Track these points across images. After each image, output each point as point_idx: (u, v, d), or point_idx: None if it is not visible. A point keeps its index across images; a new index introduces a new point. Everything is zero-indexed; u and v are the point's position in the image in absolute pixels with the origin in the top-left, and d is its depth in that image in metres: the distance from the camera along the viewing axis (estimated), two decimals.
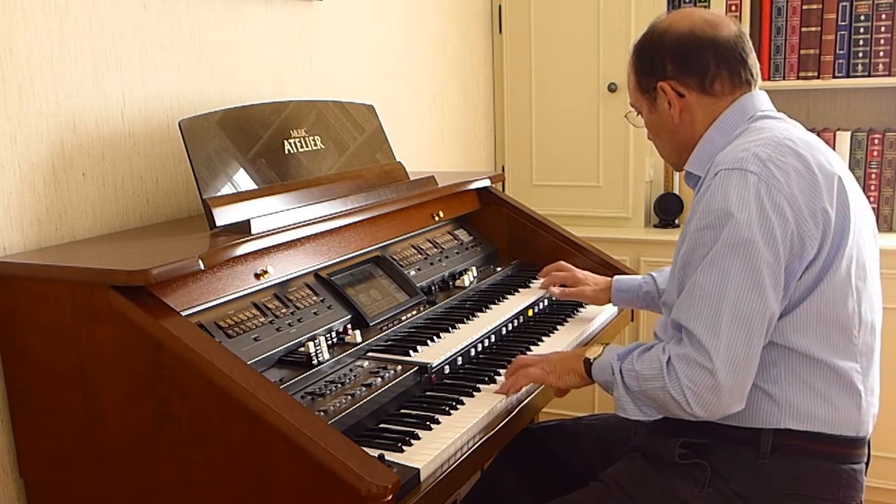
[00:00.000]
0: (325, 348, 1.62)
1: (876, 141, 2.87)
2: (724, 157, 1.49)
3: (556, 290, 2.17)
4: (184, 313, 1.42)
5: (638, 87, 1.66)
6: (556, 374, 1.65)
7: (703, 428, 1.49)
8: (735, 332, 1.40)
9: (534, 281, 2.26)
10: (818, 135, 2.44)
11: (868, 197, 2.57)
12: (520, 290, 2.21)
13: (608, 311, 2.20)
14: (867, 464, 1.55)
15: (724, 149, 1.53)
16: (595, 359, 1.60)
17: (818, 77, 2.93)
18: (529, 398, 1.69)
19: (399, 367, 1.64)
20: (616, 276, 2.11)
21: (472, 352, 1.83)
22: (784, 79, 2.96)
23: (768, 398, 1.47)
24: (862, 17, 2.85)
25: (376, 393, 1.53)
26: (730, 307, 1.40)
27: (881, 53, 2.84)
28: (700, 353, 1.41)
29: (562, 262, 2.23)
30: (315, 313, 1.71)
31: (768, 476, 1.47)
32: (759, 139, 1.49)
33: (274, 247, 1.65)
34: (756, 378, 1.46)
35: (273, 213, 1.68)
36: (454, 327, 1.89)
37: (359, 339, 1.71)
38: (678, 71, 1.58)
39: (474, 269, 2.23)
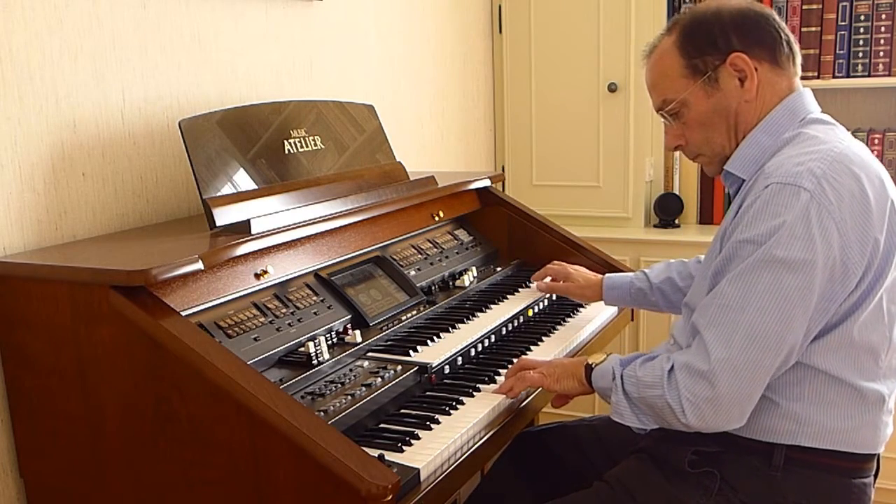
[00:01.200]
0: (325, 348, 1.62)
1: (876, 141, 2.87)
2: (776, 168, 1.41)
3: (542, 283, 2.15)
4: (184, 313, 1.42)
5: (686, 72, 1.53)
6: (554, 378, 1.63)
7: (716, 437, 1.47)
8: (746, 349, 1.35)
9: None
10: None
11: None
12: (520, 290, 2.21)
13: (608, 311, 2.20)
14: (876, 475, 1.53)
15: (774, 155, 1.47)
16: (596, 364, 1.58)
17: (818, 77, 2.93)
18: (529, 399, 1.69)
19: (399, 367, 1.64)
20: (607, 275, 2.08)
21: (472, 352, 1.83)
22: None
23: (788, 415, 1.44)
24: (862, 17, 2.85)
25: (376, 393, 1.53)
26: (748, 322, 1.35)
27: (881, 53, 2.84)
28: (703, 362, 1.37)
29: (555, 262, 2.21)
30: (315, 313, 1.71)
31: (778, 488, 1.45)
32: (815, 152, 1.41)
33: (274, 247, 1.65)
34: (777, 395, 1.44)
35: (273, 213, 1.68)
36: (454, 327, 1.89)
37: (359, 339, 1.71)
38: (746, 44, 1.50)
39: (474, 269, 2.23)
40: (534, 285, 2.21)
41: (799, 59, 1.56)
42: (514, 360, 1.75)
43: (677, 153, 3.03)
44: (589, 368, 1.59)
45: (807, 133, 1.48)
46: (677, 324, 1.61)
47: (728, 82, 1.51)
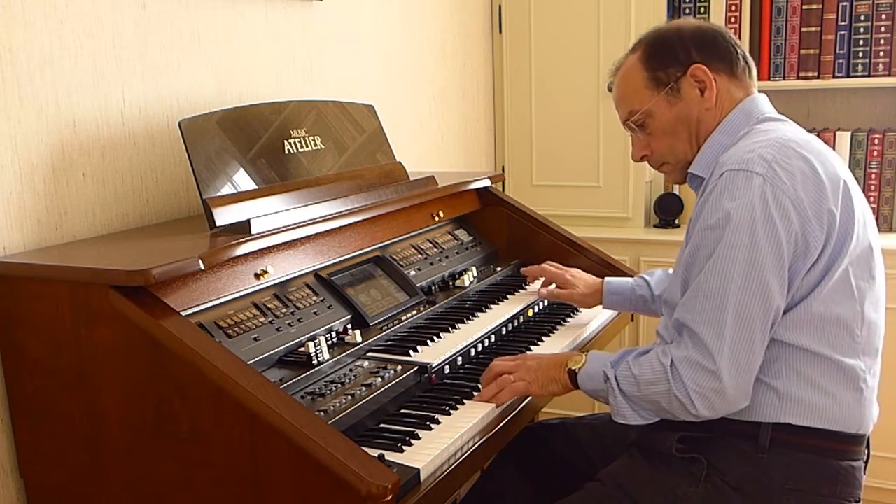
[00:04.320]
0: (325, 348, 1.62)
1: (876, 141, 2.87)
2: (729, 157, 1.50)
3: (543, 290, 2.14)
4: (184, 313, 1.42)
5: (650, 84, 1.62)
6: (538, 384, 1.63)
7: (701, 421, 1.49)
8: (739, 333, 1.41)
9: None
10: (818, 135, 2.45)
11: (868, 197, 2.57)
12: (520, 290, 2.21)
13: (608, 312, 2.20)
14: (867, 462, 1.55)
15: (729, 149, 1.53)
16: (580, 368, 1.58)
17: (818, 77, 2.93)
18: (528, 399, 1.69)
19: (399, 367, 1.64)
20: (607, 279, 2.07)
21: (472, 352, 1.83)
22: (784, 79, 2.96)
23: (769, 392, 1.47)
24: (862, 17, 2.85)
25: (376, 393, 1.53)
26: (733, 308, 1.41)
27: (881, 53, 2.84)
28: (704, 356, 1.41)
29: (549, 263, 2.19)
30: (315, 313, 1.71)
31: (765, 470, 1.48)
32: (765, 140, 1.49)
33: (274, 247, 1.65)
34: (758, 372, 1.46)
35: (273, 213, 1.68)
36: (454, 327, 1.89)
37: (359, 339, 1.71)
38: (706, 56, 1.59)
39: (474, 269, 2.23)
40: (534, 285, 2.21)
41: (755, 73, 1.66)
42: None
43: None
44: (573, 374, 1.59)
45: (759, 128, 1.57)
46: (661, 322, 1.64)
47: (689, 92, 1.60)
